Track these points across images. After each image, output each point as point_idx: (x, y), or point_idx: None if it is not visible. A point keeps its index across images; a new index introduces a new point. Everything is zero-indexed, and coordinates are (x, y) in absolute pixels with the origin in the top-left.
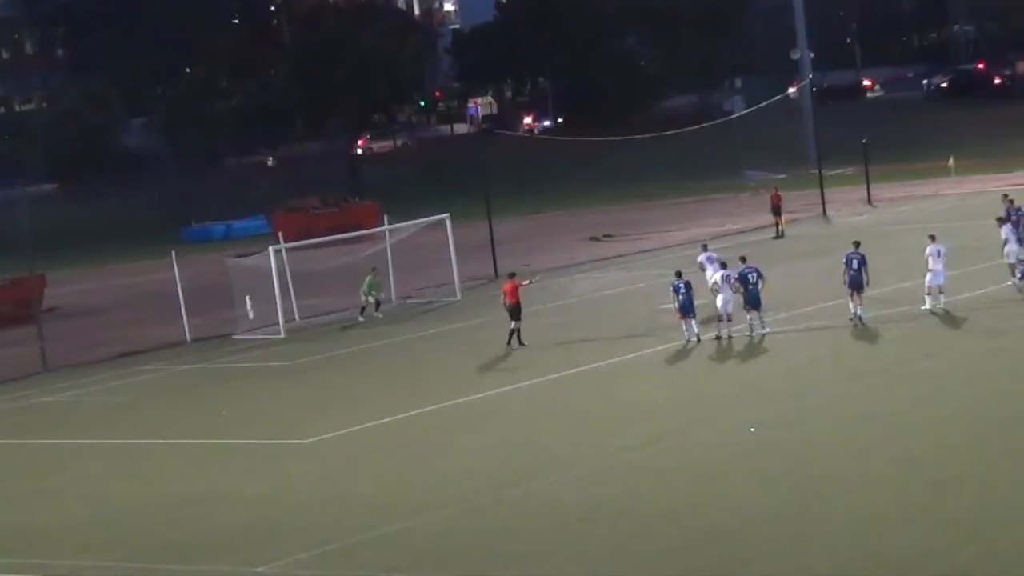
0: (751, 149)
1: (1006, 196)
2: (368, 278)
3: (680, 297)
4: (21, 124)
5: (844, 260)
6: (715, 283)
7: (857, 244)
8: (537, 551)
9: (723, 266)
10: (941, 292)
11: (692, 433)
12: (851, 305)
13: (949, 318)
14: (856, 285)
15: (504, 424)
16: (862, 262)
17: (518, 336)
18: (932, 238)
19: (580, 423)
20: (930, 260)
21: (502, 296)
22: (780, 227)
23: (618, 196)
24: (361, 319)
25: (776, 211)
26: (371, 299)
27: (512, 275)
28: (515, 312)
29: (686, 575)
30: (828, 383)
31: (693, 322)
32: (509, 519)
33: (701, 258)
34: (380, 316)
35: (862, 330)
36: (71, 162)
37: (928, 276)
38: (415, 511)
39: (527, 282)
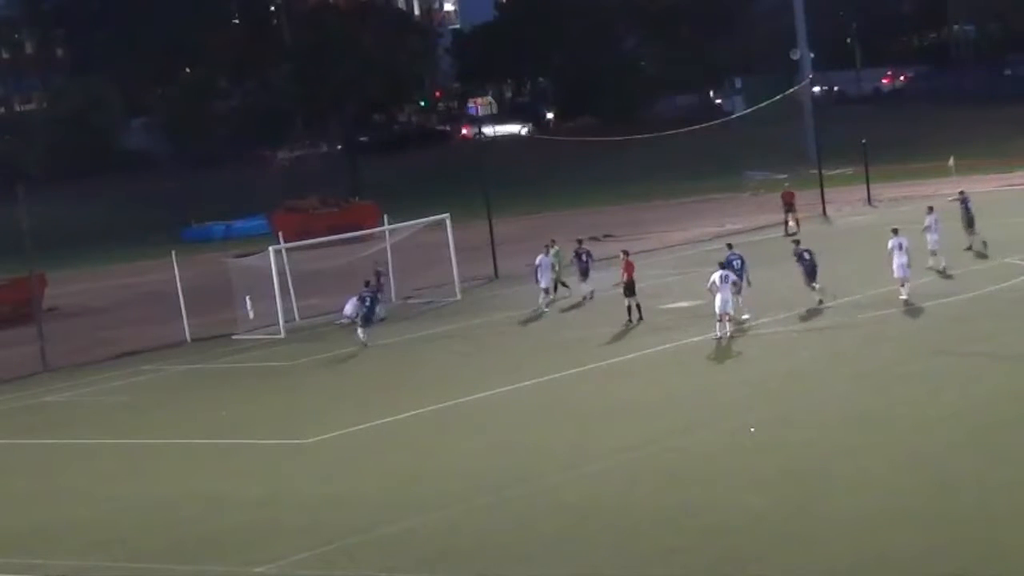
0: (751, 149)
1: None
2: (555, 250)
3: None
4: (21, 124)
5: (889, 247)
6: (713, 283)
7: (896, 231)
8: (538, 551)
9: (722, 267)
10: (907, 281)
11: (692, 433)
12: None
13: (949, 317)
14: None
15: (504, 424)
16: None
17: (637, 310)
18: (895, 231)
19: (580, 423)
20: (895, 253)
21: (621, 272)
22: (789, 224)
23: (618, 196)
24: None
25: (788, 208)
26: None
27: (625, 252)
28: (630, 289)
29: (686, 575)
30: (828, 382)
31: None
32: (510, 519)
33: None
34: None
35: (864, 330)
36: (71, 162)
37: (895, 267)
38: (415, 511)
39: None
